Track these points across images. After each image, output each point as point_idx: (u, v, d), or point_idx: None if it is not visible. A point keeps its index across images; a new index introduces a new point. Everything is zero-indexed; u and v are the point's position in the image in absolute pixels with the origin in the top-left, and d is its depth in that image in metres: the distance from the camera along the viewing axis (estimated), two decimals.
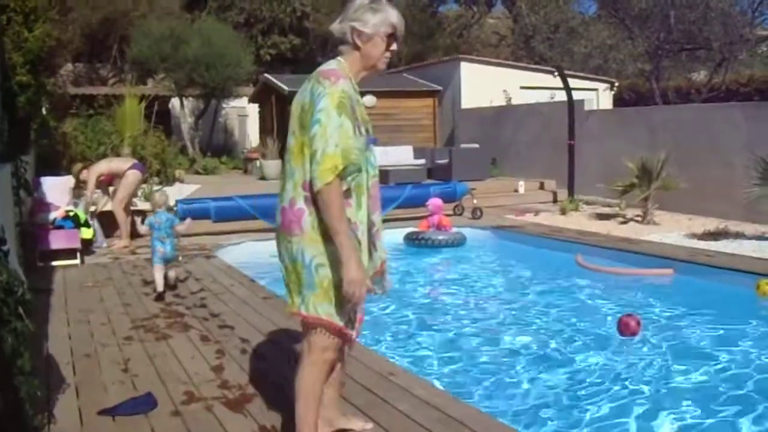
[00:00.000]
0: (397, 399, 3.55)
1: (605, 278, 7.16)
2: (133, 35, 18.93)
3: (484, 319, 5.96)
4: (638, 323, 5.17)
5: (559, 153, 12.63)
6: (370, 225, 2.70)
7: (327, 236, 2.50)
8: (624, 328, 5.16)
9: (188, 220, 6.42)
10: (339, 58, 2.66)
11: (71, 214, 7.84)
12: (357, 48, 2.62)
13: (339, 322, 2.60)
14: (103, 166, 8.73)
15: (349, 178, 2.55)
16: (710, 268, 6.92)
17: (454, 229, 9.24)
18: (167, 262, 6.07)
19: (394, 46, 2.65)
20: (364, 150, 2.60)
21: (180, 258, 7.70)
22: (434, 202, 9.35)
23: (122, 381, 3.95)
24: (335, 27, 2.66)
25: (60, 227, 7.65)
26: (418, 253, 8.86)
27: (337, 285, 2.53)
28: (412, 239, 9.08)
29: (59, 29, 12.37)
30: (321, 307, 2.57)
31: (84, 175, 8.61)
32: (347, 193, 2.55)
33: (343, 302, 2.55)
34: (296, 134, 2.57)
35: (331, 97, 2.46)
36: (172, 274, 6.22)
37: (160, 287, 5.97)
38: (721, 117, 10.57)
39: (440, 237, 8.93)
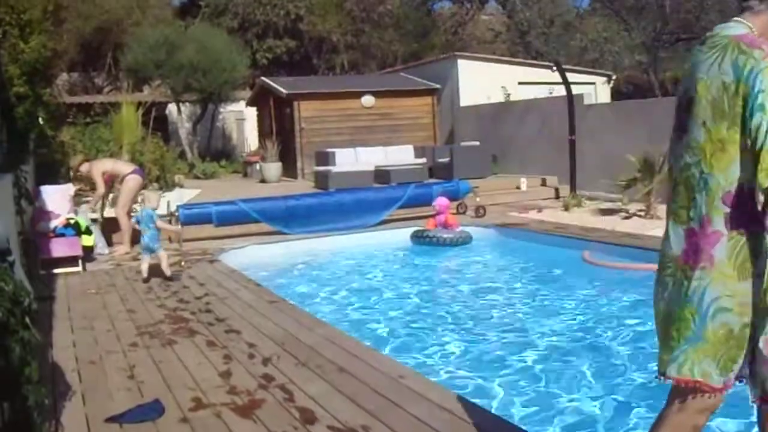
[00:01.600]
0: (409, 403, 3.48)
1: (614, 274, 7.12)
2: (127, 43, 18.93)
3: (491, 318, 5.93)
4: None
5: (559, 149, 12.58)
6: None
7: (746, 270, 1.89)
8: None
9: (159, 222, 7.10)
10: (738, 19, 2.01)
11: (72, 221, 7.82)
12: None
13: (715, 383, 1.97)
14: (108, 164, 8.78)
15: None
16: None
17: (460, 228, 9.23)
18: (149, 251, 6.90)
19: None
20: None
21: (183, 263, 7.72)
22: (441, 201, 9.34)
23: (129, 388, 3.91)
24: None
25: (61, 235, 7.64)
26: (424, 252, 8.84)
27: (738, 336, 1.93)
28: (418, 237, 9.07)
29: (54, 40, 12.36)
30: (698, 367, 1.96)
31: (85, 167, 8.60)
32: None
33: (734, 356, 1.96)
34: (708, 125, 1.93)
35: None
36: (164, 264, 6.84)
37: (143, 274, 6.90)
38: None
39: (446, 235, 8.91)
